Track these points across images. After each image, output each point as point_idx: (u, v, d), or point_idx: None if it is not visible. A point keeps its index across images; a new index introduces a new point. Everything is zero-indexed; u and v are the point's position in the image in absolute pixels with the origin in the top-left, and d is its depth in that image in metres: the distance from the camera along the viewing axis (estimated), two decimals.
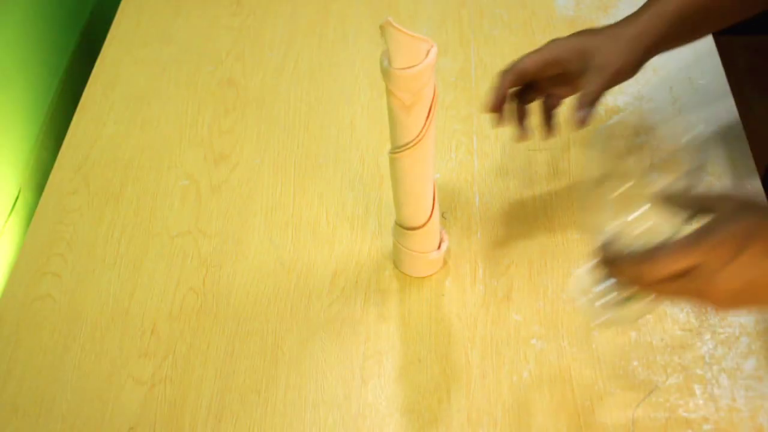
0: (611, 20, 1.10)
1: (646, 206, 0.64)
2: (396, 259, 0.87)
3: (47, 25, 1.13)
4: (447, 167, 0.95)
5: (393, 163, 0.76)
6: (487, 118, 1.01)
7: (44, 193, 0.98)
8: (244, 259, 0.90)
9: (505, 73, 0.82)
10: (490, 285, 0.85)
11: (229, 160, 0.99)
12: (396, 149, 0.75)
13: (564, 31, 1.10)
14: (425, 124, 0.72)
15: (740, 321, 0.81)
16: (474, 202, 0.93)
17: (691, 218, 0.64)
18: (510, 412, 0.76)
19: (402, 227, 0.82)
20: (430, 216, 0.80)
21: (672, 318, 0.82)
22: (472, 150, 0.98)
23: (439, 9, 1.15)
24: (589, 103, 0.80)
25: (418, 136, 0.73)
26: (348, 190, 0.95)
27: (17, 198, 1.01)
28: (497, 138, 0.99)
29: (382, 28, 0.66)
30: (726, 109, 1.00)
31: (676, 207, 0.65)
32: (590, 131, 0.99)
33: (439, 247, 0.84)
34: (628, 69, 0.81)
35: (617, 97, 1.02)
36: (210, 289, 0.87)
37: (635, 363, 0.79)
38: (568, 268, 0.86)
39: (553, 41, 0.83)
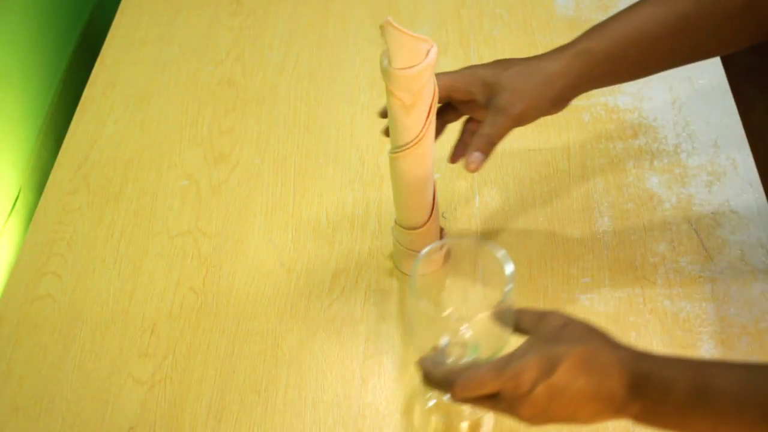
0: None
1: (479, 316, 0.64)
2: (396, 259, 0.87)
3: (47, 25, 1.13)
4: (447, 167, 0.95)
5: (393, 163, 0.76)
6: None
7: (44, 193, 0.98)
8: (244, 259, 0.90)
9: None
10: None
11: (229, 160, 0.99)
12: (396, 149, 0.74)
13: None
14: (425, 124, 0.72)
15: (740, 321, 0.81)
16: (474, 202, 0.93)
17: (515, 332, 0.67)
18: None
19: (402, 227, 0.81)
20: (430, 216, 0.80)
21: (672, 318, 0.82)
22: None
23: (439, 9, 1.15)
24: (482, 147, 0.74)
25: (417, 136, 0.72)
26: (348, 190, 0.95)
27: (17, 198, 1.01)
28: None
29: (382, 28, 0.65)
30: (726, 109, 1.00)
31: (502, 322, 0.66)
32: (590, 133, 0.99)
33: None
34: (541, 108, 0.76)
35: (617, 97, 1.02)
36: (210, 289, 0.87)
37: None
38: (568, 268, 0.86)
39: (470, 67, 0.79)
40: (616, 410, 0.60)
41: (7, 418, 0.79)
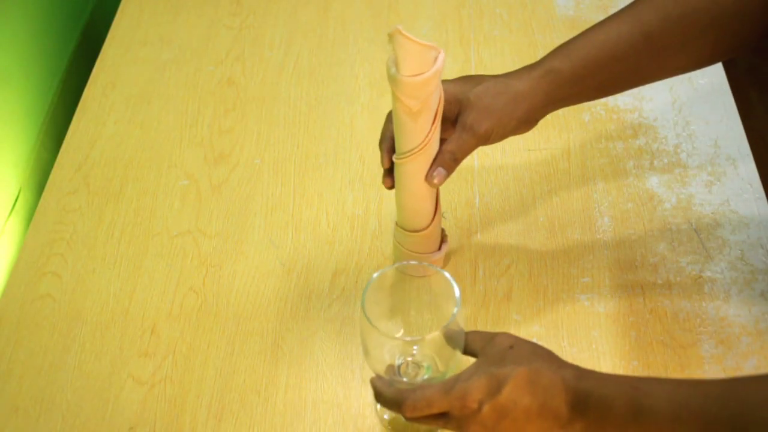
0: None
1: (433, 334, 0.66)
2: (396, 260, 0.86)
3: (47, 25, 1.13)
4: None
5: (398, 168, 0.75)
6: None
7: (44, 193, 0.98)
8: (244, 259, 0.90)
9: (386, 124, 0.77)
10: (490, 285, 0.85)
11: (229, 160, 0.99)
12: (401, 155, 0.73)
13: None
14: (431, 129, 0.71)
15: (740, 321, 0.81)
16: (474, 202, 0.93)
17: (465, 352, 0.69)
18: None
19: (403, 229, 0.81)
20: (433, 219, 0.80)
21: (672, 318, 0.82)
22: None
23: (439, 9, 1.15)
24: (445, 163, 0.74)
25: (423, 141, 0.72)
26: (348, 190, 0.95)
27: (17, 198, 1.01)
28: None
29: (390, 36, 0.64)
30: (726, 109, 1.00)
31: (452, 343, 0.68)
32: (590, 133, 0.99)
33: (439, 248, 0.83)
34: (509, 127, 0.75)
35: (617, 97, 1.02)
36: (210, 289, 0.87)
37: (635, 363, 0.79)
38: (568, 268, 0.86)
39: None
40: (562, 427, 0.62)
41: (7, 418, 0.79)
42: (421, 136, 0.71)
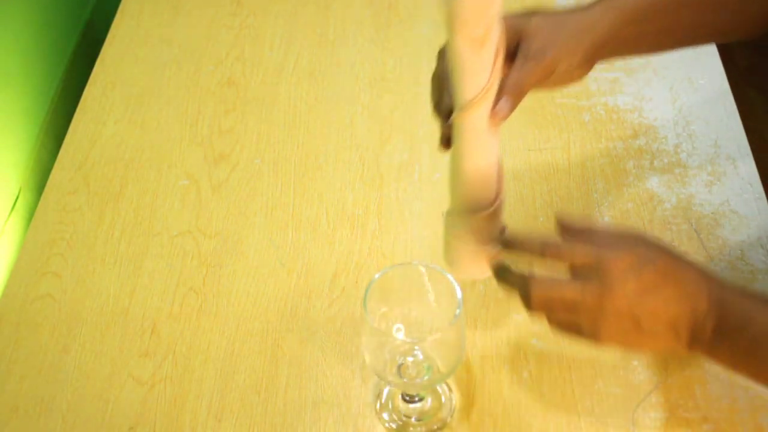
0: None
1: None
2: (450, 257, 0.73)
3: (47, 25, 1.13)
4: (447, 167, 0.95)
5: (459, 128, 0.65)
6: None
7: (44, 193, 0.98)
8: (244, 259, 0.90)
9: (435, 84, 0.71)
10: (490, 285, 0.85)
11: (229, 160, 0.99)
12: (464, 106, 0.63)
13: None
14: (494, 64, 0.62)
15: None
16: None
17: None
18: (510, 412, 0.76)
19: (465, 212, 0.69)
20: (498, 193, 0.69)
21: None
22: None
23: (439, 9, 1.15)
24: (513, 91, 0.66)
25: (489, 79, 0.62)
26: (348, 190, 0.95)
27: (17, 198, 1.01)
28: None
29: None
30: (726, 109, 1.00)
31: (453, 343, 0.68)
32: (590, 133, 0.99)
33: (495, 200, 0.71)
34: (569, 64, 0.69)
35: (617, 97, 1.02)
36: (210, 289, 0.87)
37: (635, 363, 0.79)
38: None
39: None
40: (695, 323, 0.60)
41: (7, 418, 0.79)
42: (485, 74, 0.62)
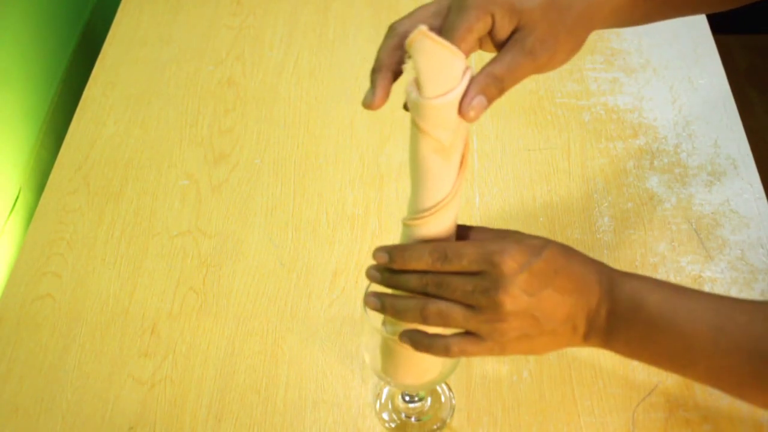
0: None
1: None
2: (387, 367, 0.67)
3: (47, 25, 1.13)
4: None
5: (412, 231, 0.59)
6: (488, 117, 1.01)
7: (44, 193, 0.98)
8: (244, 259, 0.90)
9: (390, 39, 0.58)
10: None
11: (229, 160, 0.99)
12: (422, 212, 0.58)
13: None
14: (460, 170, 0.57)
15: None
16: (474, 202, 0.93)
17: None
18: (510, 412, 0.76)
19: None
20: None
21: None
22: (472, 150, 0.98)
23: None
24: (488, 90, 0.56)
25: (453, 188, 0.57)
26: (348, 190, 0.95)
27: (17, 198, 1.01)
28: (497, 138, 0.99)
29: (410, 42, 0.52)
30: (726, 109, 1.00)
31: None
32: (590, 133, 0.99)
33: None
34: (565, 55, 0.59)
35: (617, 97, 1.02)
36: (210, 289, 0.87)
37: (635, 363, 0.79)
38: None
39: None
40: (589, 311, 0.58)
41: (7, 418, 0.79)
42: (450, 181, 0.57)
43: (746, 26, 2.13)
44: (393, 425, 0.76)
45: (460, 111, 0.55)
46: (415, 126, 0.55)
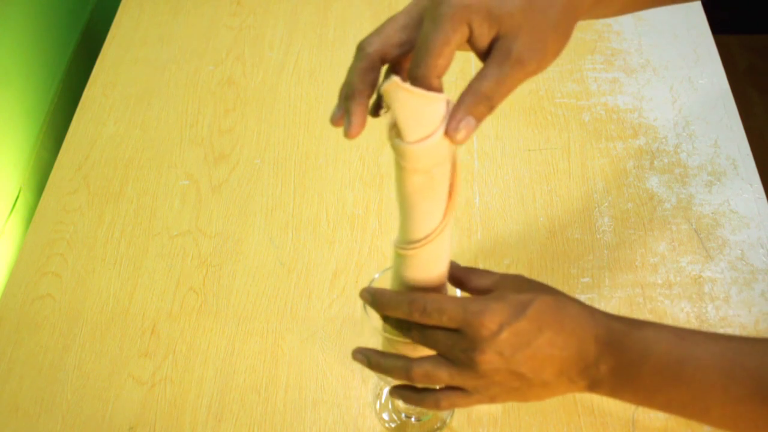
0: (611, 20, 1.11)
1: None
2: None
3: (47, 25, 1.13)
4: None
5: (404, 261, 0.59)
6: (488, 118, 1.01)
7: (44, 193, 0.98)
8: (244, 259, 0.90)
9: (361, 61, 0.54)
10: None
11: (229, 160, 0.99)
12: (412, 243, 0.57)
13: None
14: (448, 201, 0.55)
15: (740, 321, 0.81)
16: (474, 202, 0.93)
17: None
18: (510, 412, 0.76)
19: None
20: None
21: (672, 318, 0.82)
22: (472, 150, 0.98)
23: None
24: (477, 111, 0.52)
25: (443, 221, 0.56)
26: (348, 190, 0.95)
27: (17, 198, 1.01)
28: (497, 138, 0.99)
29: (386, 92, 0.50)
30: (726, 109, 1.00)
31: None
32: (590, 133, 0.99)
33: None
34: (554, 55, 0.54)
35: (617, 97, 1.02)
36: (210, 289, 0.87)
37: None
38: (568, 268, 0.86)
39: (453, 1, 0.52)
40: (586, 367, 0.56)
41: (7, 418, 0.79)
42: (438, 214, 0.55)
43: (746, 26, 2.13)
44: (393, 425, 0.76)
45: (447, 133, 0.52)
46: (398, 164, 0.54)
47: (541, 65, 0.53)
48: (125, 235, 0.93)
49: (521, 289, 0.58)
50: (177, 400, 0.79)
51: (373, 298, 0.60)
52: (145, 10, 1.19)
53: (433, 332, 0.58)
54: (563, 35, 0.54)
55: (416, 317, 0.57)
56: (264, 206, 0.94)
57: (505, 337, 0.55)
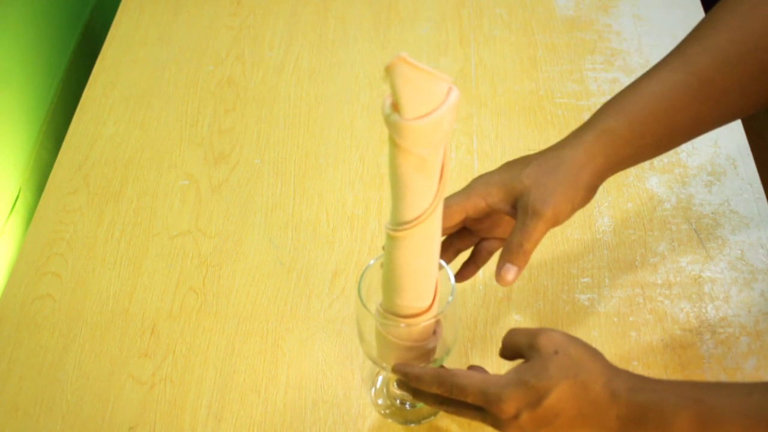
0: (611, 20, 1.11)
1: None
2: (383, 354, 0.69)
3: (47, 25, 1.13)
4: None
5: (395, 243, 0.60)
6: (488, 118, 1.01)
7: (44, 193, 0.98)
8: (244, 259, 0.90)
9: None
10: (490, 285, 0.85)
11: (229, 160, 0.99)
12: (403, 224, 0.59)
13: (564, 31, 1.10)
14: (439, 185, 0.57)
15: (740, 321, 0.81)
16: None
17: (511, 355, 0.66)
18: None
19: (396, 315, 0.65)
20: (433, 300, 0.66)
21: (672, 318, 0.82)
22: (472, 150, 0.98)
23: (439, 9, 1.15)
24: (514, 257, 0.65)
25: (432, 202, 0.58)
26: (348, 190, 0.95)
27: (17, 198, 1.01)
28: (497, 138, 0.99)
29: (389, 68, 0.50)
30: None
31: (446, 330, 0.68)
32: None
33: (434, 332, 0.68)
34: (575, 204, 0.66)
35: None
36: (210, 289, 0.87)
37: (635, 363, 0.79)
38: (568, 268, 0.86)
39: (479, 178, 0.68)
40: None
41: (7, 418, 0.79)
42: (429, 196, 0.57)
43: None
44: (388, 411, 0.77)
45: (496, 276, 0.65)
46: (393, 142, 0.54)
47: (557, 213, 0.64)
48: (125, 235, 0.93)
49: (545, 368, 0.60)
50: (177, 400, 0.79)
51: (405, 377, 0.66)
52: (145, 10, 1.19)
53: (461, 406, 0.64)
54: (573, 188, 0.65)
55: (445, 393, 0.63)
56: (264, 206, 0.95)
57: (524, 419, 0.60)
